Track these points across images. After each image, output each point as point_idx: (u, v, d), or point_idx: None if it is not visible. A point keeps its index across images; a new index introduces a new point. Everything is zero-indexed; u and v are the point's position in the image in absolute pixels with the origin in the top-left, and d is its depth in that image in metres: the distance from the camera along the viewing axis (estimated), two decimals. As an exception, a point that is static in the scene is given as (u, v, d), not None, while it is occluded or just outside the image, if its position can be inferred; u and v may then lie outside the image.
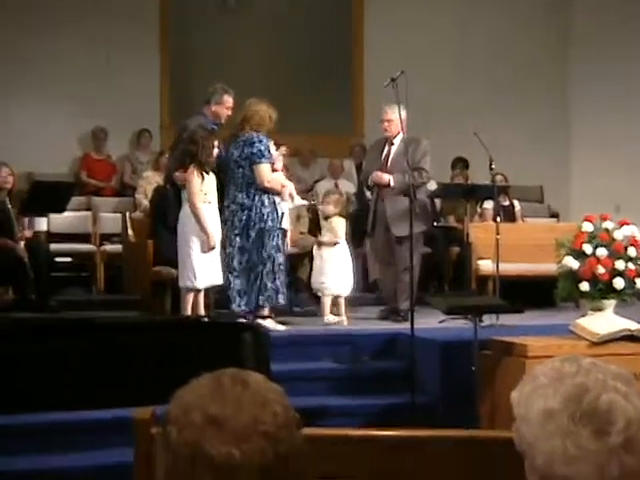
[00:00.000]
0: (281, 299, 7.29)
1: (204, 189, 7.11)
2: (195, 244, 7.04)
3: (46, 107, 10.90)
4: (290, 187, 7.60)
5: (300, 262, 8.88)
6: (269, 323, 7.14)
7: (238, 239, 7.24)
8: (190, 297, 7.08)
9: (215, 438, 1.32)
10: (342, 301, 7.70)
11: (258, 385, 1.40)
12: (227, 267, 7.23)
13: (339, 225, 7.76)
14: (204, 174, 7.11)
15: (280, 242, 7.31)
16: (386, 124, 7.86)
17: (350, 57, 12.15)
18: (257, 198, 7.21)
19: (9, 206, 7.95)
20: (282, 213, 7.42)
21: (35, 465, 5.14)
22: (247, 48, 11.73)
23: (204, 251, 7.01)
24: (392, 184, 7.75)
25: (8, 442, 5.13)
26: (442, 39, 12.15)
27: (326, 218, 7.85)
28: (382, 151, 8.02)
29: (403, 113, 7.53)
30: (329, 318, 7.57)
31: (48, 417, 4.69)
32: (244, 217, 7.22)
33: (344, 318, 7.64)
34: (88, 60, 11.04)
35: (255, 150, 7.22)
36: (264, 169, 7.23)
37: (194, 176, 7.07)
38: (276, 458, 1.34)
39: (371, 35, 12.04)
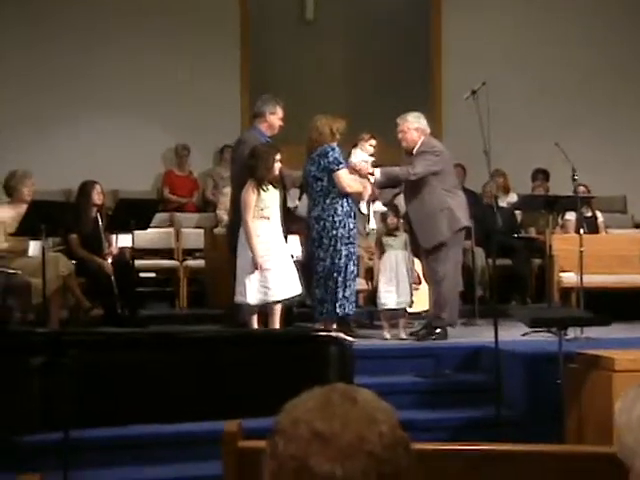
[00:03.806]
0: (352, 309, 7.34)
1: (260, 204, 7.07)
2: (247, 260, 7.05)
3: (130, 125, 11.10)
4: (369, 188, 7.61)
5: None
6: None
7: (316, 249, 7.31)
8: (253, 313, 7.11)
9: (320, 454, 1.32)
10: (404, 315, 7.65)
11: (366, 403, 1.39)
12: (315, 279, 7.29)
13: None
14: (261, 189, 7.09)
15: (353, 250, 7.34)
16: (400, 135, 7.71)
17: (430, 67, 12.12)
18: (330, 208, 7.28)
19: (99, 223, 8.14)
20: (366, 214, 7.47)
21: (125, 478, 5.25)
22: (326, 60, 11.80)
23: (251, 268, 6.99)
24: (377, 175, 7.59)
25: (99, 455, 5.25)
26: (522, 50, 12.05)
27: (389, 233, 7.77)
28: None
29: (417, 122, 7.53)
30: (385, 334, 7.56)
31: (138, 430, 4.78)
32: (319, 228, 7.30)
33: (402, 332, 7.60)
34: (170, 78, 11.21)
35: (331, 159, 7.29)
36: (343, 175, 7.30)
37: (249, 191, 7.07)
38: (379, 479, 1.33)
39: (450, 45, 11.99)
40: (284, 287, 7.09)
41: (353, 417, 1.36)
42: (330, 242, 7.26)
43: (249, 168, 7.13)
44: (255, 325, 7.10)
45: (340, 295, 7.23)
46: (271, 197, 7.16)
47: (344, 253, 7.26)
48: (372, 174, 7.56)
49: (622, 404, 1.56)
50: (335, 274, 7.24)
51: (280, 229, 7.21)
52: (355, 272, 7.41)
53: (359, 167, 7.61)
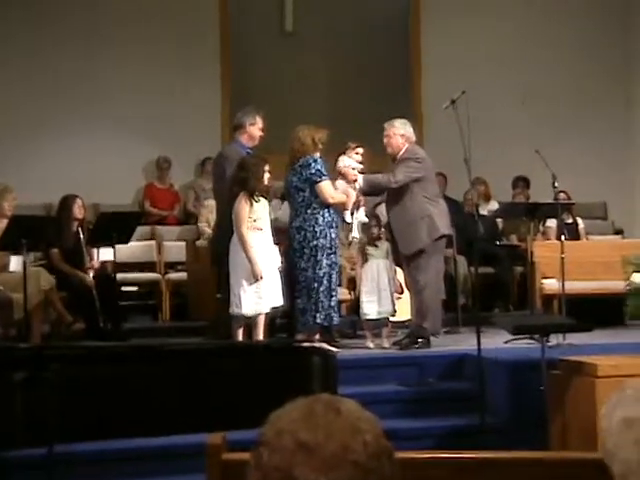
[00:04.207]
0: (335, 319, 7.34)
1: (253, 216, 7.07)
2: (242, 271, 7.03)
3: (110, 139, 11.08)
4: (353, 196, 7.60)
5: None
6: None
7: (297, 260, 7.31)
8: (240, 325, 7.09)
9: (304, 464, 1.32)
10: (387, 324, 7.65)
11: (350, 413, 1.39)
12: (293, 288, 7.29)
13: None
14: (253, 201, 7.09)
15: (335, 260, 7.35)
16: (385, 140, 7.71)
17: (410, 76, 12.16)
18: (312, 218, 7.29)
19: (81, 237, 8.11)
20: (350, 223, 7.48)
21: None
22: (307, 71, 11.83)
23: (250, 279, 6.98)
24: (360, 182, 7.57)
25: (84, 469, 5.22)
26: (502, 56, 12.11)
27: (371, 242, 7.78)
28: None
29: (403, 129, 7.55)
30: (369, 343, 7.55)
31: (123, 444, 4.76)
32: (300, 238, 7.30)
33: (386, 342, 7.59)
34: (151, 91, 11.20)
35: (313, 170, 7.30)
36: (325, 187, 7.31)
37: (242, 203, 7.05)
38: None
39: (430, 53, 12.03)
40: (273, 297, 7.10)
41: (337, 427, 1.36)
42: (311, 252, 7.26)
43: (239, 180, 7.12)
44: (240, 337, 7.08)
45: (322, 305, 7.23)
46: (262, 208, 7.17)
47: (325, 263, 7.26)
48: (356, 181, 7.57)
49: (605, 409, 1.58)
50: (316, 284, 7.24)
51: (271, 239, 7.22)
52: (337, 282, 7.42)
53: (344, 171, 7.61)
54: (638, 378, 1.61)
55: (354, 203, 7.64)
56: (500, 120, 11.75)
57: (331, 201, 7.32)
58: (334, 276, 7.32)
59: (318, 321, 7.24)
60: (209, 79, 11.50)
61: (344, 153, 7.86)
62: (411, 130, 7.75)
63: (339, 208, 7.45)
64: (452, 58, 11.86)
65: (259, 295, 7.01)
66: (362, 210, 7.72)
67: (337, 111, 11.56)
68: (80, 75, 11.02)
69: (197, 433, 3.89)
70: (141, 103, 11.16)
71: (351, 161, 7.76)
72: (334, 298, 7.32)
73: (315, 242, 7.26)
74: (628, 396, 1.54)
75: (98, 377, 3.70)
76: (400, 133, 7.63)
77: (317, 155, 7.40)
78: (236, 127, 7.88)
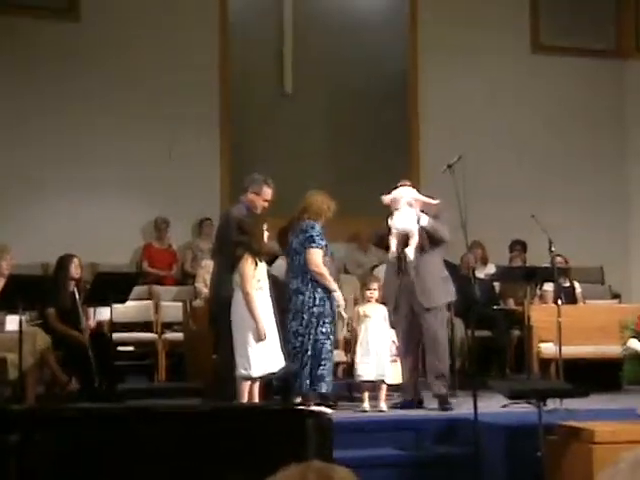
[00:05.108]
0: (324, 388, 7.29)
1: (257, 276, 7.09)
2: (248, 331, 6.99)
3: (109, 199, 11.14)
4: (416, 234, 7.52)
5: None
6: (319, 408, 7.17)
7: (293, 323, 7.30)
8: (246, 386, 7.03)
9: None
10: (383, 387, 7.63)
11: None
12: (286, 351, 7.27)
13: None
14: (257, 261, 7.13)
15: (330, 329, 7.34)
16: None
17: (408, 140, 12.27)
18: (311, 283, 7.31)
19: (77, 297, 8.11)
20: (337, 304, 7.44)
21: None
22: (305, 133, 11.93)
23: (256, 339, 6.95)
24: (425, 221, 7.54)
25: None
26: (496, 120, 12.22)
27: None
28: None
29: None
30: (365, 406, 7.51)
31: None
32: (298, 302, 7.30)
33: (382, 405, 7.52)
34: (150, 152, 11.28)
35: (307, 235, 7.37)
36: (314, 253, 7.33)
37: (247, 263, 7.06)
38: None
39: (429, 117, 12.16)
40: (278, 358, 7.08)
41: None
42: (310, 318, 7.27)
43: (242, 242, 7.13)
44: (246, 398, 7.02)
45: (316, 373, 7.22)
46: (263, 268, 7.21)
47: (322, 331, 7.27)
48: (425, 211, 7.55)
49: None
50: (311, 351, 7.24)
51: (270, 300, 7.20)
52: (332, 350, 7.39)
53: (423, 200, 7.61)
54: (634, 449, 1.60)
55: (404, 241, 7.52)
56: (496, 184, 11.83)
57: (314, 268, 7.31)
58: (328, 345, 7.31)
59: (313, 388, 7.22)
60: (209, 140, 11.59)
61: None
62: None
63: (319, 277, 7.38)
64: (450, 121, 11.98)
65: (266, 356, 7.00)
66: (413, 246, 7.50)
67: (336, 171, 11.64)
68: (79, 136, 11.10)
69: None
70: (140, 164, 11.23)
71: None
72: (328, 367, 7.31)
73: (314, 309, 7.28)
74: (622, 470, 1.54)
75: (92, 439, 3.68)
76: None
77: (319, 223, 7.44)
78: (244, 190, 7.85)
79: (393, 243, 7.48)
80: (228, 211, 7.96)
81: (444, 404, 7.47)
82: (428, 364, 7.60)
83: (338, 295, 7.39)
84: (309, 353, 7.24)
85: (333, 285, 7.40)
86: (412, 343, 7.65)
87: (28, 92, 11.04)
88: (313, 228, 7.40)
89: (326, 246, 7.48)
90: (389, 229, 7.55)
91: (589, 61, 12.68)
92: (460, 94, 12.18)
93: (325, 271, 7.38)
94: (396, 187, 7.71)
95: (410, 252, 7.42)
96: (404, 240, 7.52)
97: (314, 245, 7.35)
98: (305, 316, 7.27)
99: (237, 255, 7.10)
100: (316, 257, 7.35)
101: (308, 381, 7.23)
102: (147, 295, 10.57)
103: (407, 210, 7.56)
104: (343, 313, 7.53)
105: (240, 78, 11.87)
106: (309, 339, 7.25)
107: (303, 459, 1.49)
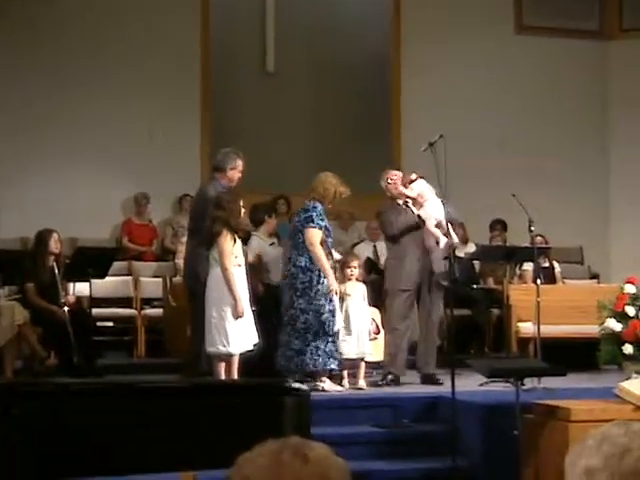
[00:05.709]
0: (333, 364, 7.31)
1: (235, 252, 7.08)
2: (227, 308, 6.98)
3: (89, 173, 11.09)
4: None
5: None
6: (328, 385, 7.18)
7: (300, 300, 7.30)
8: (222, 363, 7.04)
9: None
10: (362, 364, 7.65)
11: (318, 461, 1.36)
12: (290, 328, 7.29)
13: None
14: (235, 238, 7.11)
15: (336, 306, 7.35)
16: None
17: (389, 119, 12.25)
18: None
19: (56, 271, 8.07)
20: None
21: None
22: (287, 112, 11.88)
23: (234, 316, 6.94)
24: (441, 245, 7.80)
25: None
26: (478, 101, 12.22)
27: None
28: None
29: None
30: (344, 383, 7.53)
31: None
32: (306, 279, 7.31)
33: (362, 382, 7.56)
34: (130, 127, 11.22)
35: (307, 215, 7.41)
36: (312, 233, 7.35)
37: (227, 239, 7.05)
38: None
39: (411, 96, 12.14)
40: (253, 335, 7.07)
41: (304, 476, 1.33)
42: (316, 295, 7.27)
43: (220, 219, 7.10)
44: (223, 375, 7.01)
45: (321, 349, 7.23)
46: (239, 245, 7.21)
47: (328, 308, 7.27)
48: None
49: (568, 458, 1.59)
50: (317, 328, 7.25)
51: (245, 276, 7.20)
52: (335, 327, 7.38)
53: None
54: (602, 426, 1.61)
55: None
56: (478, 164, 11.84)
57: (310, 248, 7.32)
58: (333, 322, 7.31)
59: (316, 364, 7.24)
60: (189, 117, 11.54)
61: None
62: None
63: (314, 257, 7.38)
64: (432, 101, 11.96)
65: (244, 332, 6.99)
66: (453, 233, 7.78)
67: (317, 151, 11.61)
68: (59, 110, 11.02)
69: (169, 472, 3.87)
70: (120, 139, 11.18)
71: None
72: (335, 343, 7.33)
73: (320, 287, 7.28)
74: (589, 446, 1.55)
75: (70, 414, 3.67)
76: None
77: (323, 204, 7.47)
78: (216, 169, 7.82)
79: (438, 232, 7.76)
80: (203, 188, 7.94)
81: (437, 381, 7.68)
82: (430, 341, 7.90)
83: (331, 280, 7.34)
84: (316, 329, 7.25)
85: (327, 269, 7.35)
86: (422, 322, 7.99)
87: (4, 61, 10.93)
88: (315, 208, 7.44)
89: (327, 228, 7.49)
90: (422, 221, 7.79)
91: (573, 42, 12.66)
92: (443, 75, 12.16)
93: (320, 252, 7.35)
94: (412, 179, 7.97)
95: (456, 239, 7.88)
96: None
97: (312, 225, 7.36)
98: (310, 292, 7.28)
99: (215, 231, 7.07)
100: (313, 236, 7.35)
101: (315, 358, 7.23)
102: (127, 271, 10.54)
103: (436, 199, 7.71)
104: (335, 299, 7.49)
105: (222, 56, 11.80)
106: (315, 316, 7.25)
107: (281, 435, 1.49)
